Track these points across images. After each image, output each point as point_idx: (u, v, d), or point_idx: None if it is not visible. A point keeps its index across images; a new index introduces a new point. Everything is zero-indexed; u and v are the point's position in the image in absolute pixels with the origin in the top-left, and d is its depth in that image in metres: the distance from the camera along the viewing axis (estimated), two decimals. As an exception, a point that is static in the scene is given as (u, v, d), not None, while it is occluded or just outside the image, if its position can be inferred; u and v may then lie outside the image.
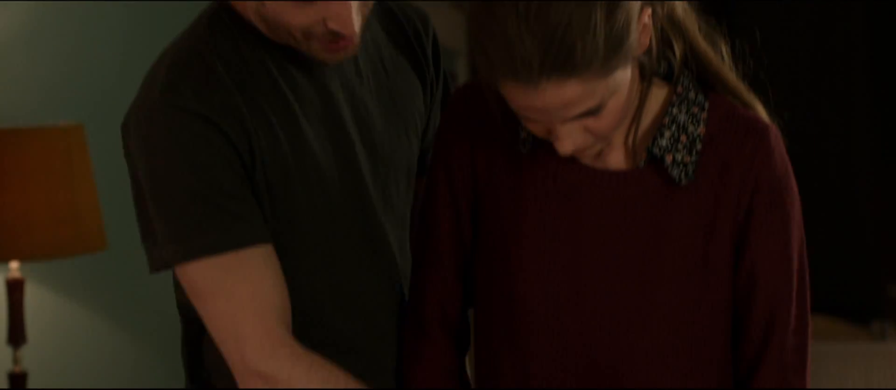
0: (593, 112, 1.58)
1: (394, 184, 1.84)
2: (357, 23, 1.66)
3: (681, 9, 1.69)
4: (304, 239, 1.76)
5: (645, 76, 1.68)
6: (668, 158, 1.68)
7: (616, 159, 1.71)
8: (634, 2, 1.56)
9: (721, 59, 1.74)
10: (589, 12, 1.51)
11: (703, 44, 1.72)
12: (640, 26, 1.58)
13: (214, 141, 1.66)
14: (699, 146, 1.68)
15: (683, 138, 1.69)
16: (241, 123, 1.68)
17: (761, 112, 1.74)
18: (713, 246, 1.69)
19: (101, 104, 3.28)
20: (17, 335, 2.93)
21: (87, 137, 2.96)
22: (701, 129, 1.69)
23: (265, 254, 1.68)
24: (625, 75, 1.59)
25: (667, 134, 1.68)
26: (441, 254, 1.78)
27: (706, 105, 1.71)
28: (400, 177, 1.85)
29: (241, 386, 1.69)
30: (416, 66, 1.91)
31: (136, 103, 1.71)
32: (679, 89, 1.70)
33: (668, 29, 1.68)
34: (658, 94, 1.71)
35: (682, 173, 1.68)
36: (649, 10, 1.60)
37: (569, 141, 1.60)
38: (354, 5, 1.65)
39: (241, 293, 1.66)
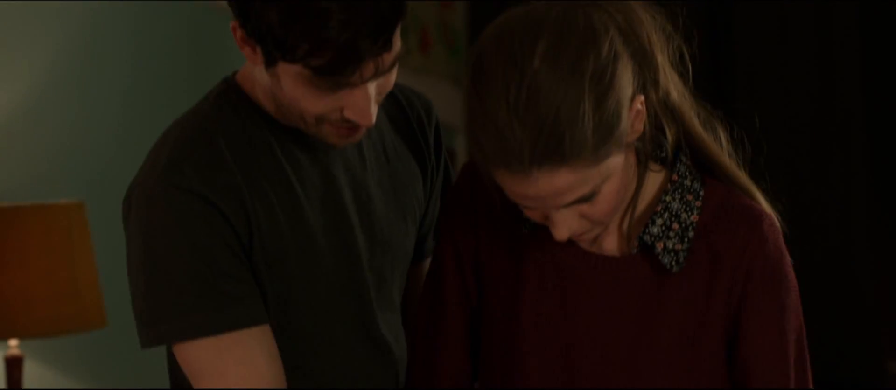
0: (587, 199, 1.58)
1: (389, 268, 1.85)
2: (374, 113, 1.68)
3: (676, 94, 1.69)
4: (300, 320, 1.76)
5: (641, 161, 1.68)
6: (659, 246, 1.68)
7: (611, 244, 1.72)
8: (626, 89, 1.57)
9: (719, 144, 1.74)
10: (578, 101, 1.52)
11: (699, 129, 1.72)
12: (633, 113, 1.59)
13: (214, 221, 1.67)
14: (691, 234, 1.68)
15: (676, 226, 1.68)
16: (242, 204, 1.69)
17: (760, 199, 1.74)
18: (705, 334, 1.69)
19: (101, 181, 3.29)
20: (15, 413, 2.92)
21: (87, 214, 2.97)
22: (694, 217, 1.69)
23: (261, 335, 1.69)
24: (617, 162, 1.59)
25: (658, 221, 1.69)
26: (451, 329, 1.78)
27: (701, 193, 1.71)
28: (396, 263, 1.86)
29: None
30: (418, 153, 1.91)
31: (138, 179, 1.72)
32: (675, 176, 1.70)
33: (661, 114, 1.68)
34: (655, 180, 1.71)
35: (673, 261, 1.68)
36: (642, 97, 1.60)
37: (564, 227, 1.61)
38: (373, 95, 1.66)
39: (235, 374, 1.66)
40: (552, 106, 1.51)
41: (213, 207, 1.67)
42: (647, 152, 1.68)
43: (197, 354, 1.67)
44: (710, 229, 1.69)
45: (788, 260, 1.71)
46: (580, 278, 1.70)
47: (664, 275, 1.68)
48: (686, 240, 1.68)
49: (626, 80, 1.56)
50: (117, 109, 3.43)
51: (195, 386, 1.69)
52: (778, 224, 1.72)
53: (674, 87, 1.68)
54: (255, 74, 1.73)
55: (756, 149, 1.79)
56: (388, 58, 1.62)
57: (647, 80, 1.62)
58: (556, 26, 1.55)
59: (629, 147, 1.63)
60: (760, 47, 4.41)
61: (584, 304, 1.70)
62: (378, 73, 1.63)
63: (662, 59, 1.65)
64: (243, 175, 1.70)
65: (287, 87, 1.65)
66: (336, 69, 1.60)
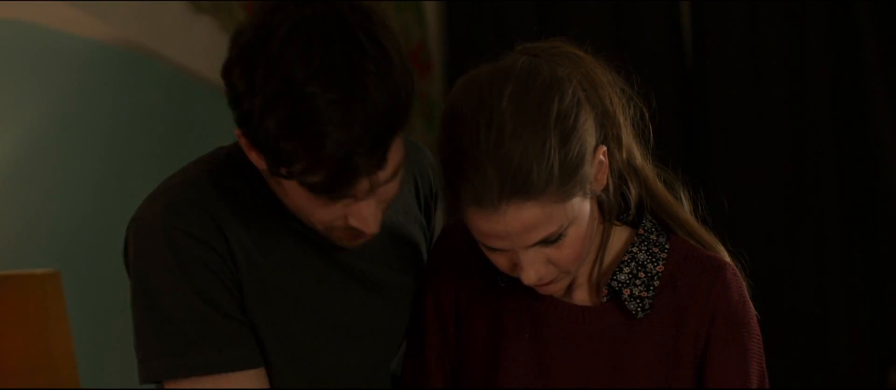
0: (553, 240, 1.64)
1: (381, 310, 1.85)
2: (378, 222, 1.70)
3: (639, 157, 1.77)
4: (286, 364, 1.76)
5: (606, 216, 1.75)
6: (626, 292, 1.74)
7: (582, 295, 1.78)
8: (589, 136, 1.65)
9: (680, 203, 1.81)
10: (544, 140, 1.60)
11: (661, 188, 1.80)
12: (596, 162, 1.67)
13: (213, 264, 1.69)
14: (657, 282, 1.75)
15: (642, 275, 1.75)
16: (233, 246, 1.70)
17: (722, 252, 1.81)
18: (677, 377, 1.74)
19: (76, 251, 3.28)
20: None
21: (63, 284, 2.96)
22: (660, 267, 1.76)
23: (257, 377, 1.71)
24: (583, 207, 1.66)
25: (625, 269, 1.75)
26: (434, 384, 1.81)
27: (667, 246, 1.77)
28: (387, 305, 1.86)
29: None
30: (423, 220, 1.94)
31: (137, 216, 1.74)
32: (641, 230, 1.77)
33: (625, 172, 1.76)
34: (621, 235, 1.78)
35: (639, 307, 1.74)
36: (604, 149, 1.68)
37: (531, 269, 1.66)
38: (375, 206, 1.68)
39: None
40: (519, 143, 1.59)
41: (213, 251, 1.68)
42: (612, 207, 1.75)
43: (193, 387, 1.68)
44: (675, 278, 1.76)
45: (751, 308, 1.78)
46: (554, 326, 1.75)
47: (633, 322, 1.74)
48: (652, 288, 1.74)
49: (588, 127, 1.65)
50: (93, 178, 3.43)
51: None
52: (740, 275, 1.79)
53: (637, 149, 1.76)
54: None
55: (720, 209, 1.84)
56: (382, 174, 1.63)
57: (609, 136, 1.70)
58: (523, 73, 1.65)
59: (594, 200, 1.70)
60: (733, 98, 4.45)
61: (559, 353, 1.75)
62: (373, 188, 1.64)
63: (624, 120, 1.73)
64: (240, 221, 1.71)
65: (292, 197, 1.67)
66: (331, 187, 1.61)
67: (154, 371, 1.70)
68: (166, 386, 1.72)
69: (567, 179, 1.62)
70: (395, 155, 1.64)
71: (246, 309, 1.72)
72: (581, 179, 1.64)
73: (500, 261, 1.69)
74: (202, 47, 3.79)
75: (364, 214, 1.67)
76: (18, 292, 2.85)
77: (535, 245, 1.64)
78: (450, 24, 4.75)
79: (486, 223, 1.62)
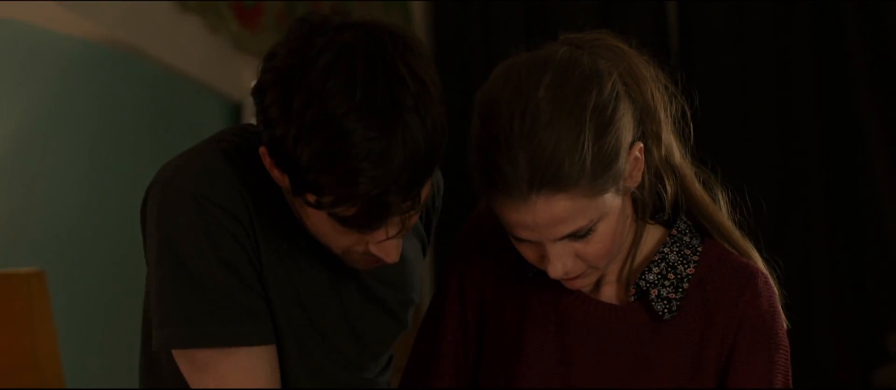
0: (582, 234, 1.61)
1: (375, 322, 1.86)
2: (400, 251, 1.68)
3: (678, 155, 1.74)
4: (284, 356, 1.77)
5: (639, 214, 1.72)
6: (653, 293, 1.71)
7: (610, 293, 1.75)
8: (626, 130, 1.61)
9: (718, 206, 1.78)
10: (578, 132, 1.56)
11: (699, 189, 1.77)
12: (632, 158, 1.63)
13: (239, 235, 1.67)
14: (686, 285, 1.71)
15: (671, 276, 1.72)
16: (255, 224, 1.70)
17: (757, 260, 1.77)
18: (699, 382, 1.71)
19: (62, 250, 3.27)
20: None
21: (48, 283, 2.95)
22: (690, 269, 1.72)
23: (269, 354, 1.71)
24: (614, 202, 1.63)
25: (655, 270, 1.72)
26: (444, 367, 1.81)
27: (700, 249, 1.74)
28: (381, 317, 1.87)
29: None
30: (423, 232, 1.94)
31: (166, 176, 1.70)
32: (674, 231, 1.74)
33: (663, 170, 1.72)
34: (653, 235, 1.75)
35: (666, 308, 1.71)
36: (641, 145, 1.64)
37: (559, 263, 1.63)
38: (399, 235, 1.66)
39: (238, 384, 1.68)
40: (553, 134, 1.56)
41: (239, 223, 1.67)
42: (646, 205, 1.71)
43: (207, 357, 1.68)
44: (705, 282, 1.72)
45: (782, 319, 1.75)
46: (579, 322, 1.73)
47: (660, 323, 1.71)
48: (680, 290, 1.71)
49: (626, 121, 1.61)
50: (79, 177, 3.42)
51: (193, 380, 1.70)
52: (773, 284, 1.75)
53: (676, 147, 1.73)
54: None
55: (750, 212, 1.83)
56: (413, 211, 1.62)
57: (648, 132, 1.67)
58: (562, 64, 1.61)
59: (628, 196, 1.67)
60: (719, 98, 4.45)
61: (582, 349, 1.72)
62: (403, 223, 1.64)
63: (665, 117, 1.70)
64: (261, 210, 1.70)
65: (313, 219, 1.65)
66: (362, 223, 1.60)
67: (173, 338, 1.68)
68: (182, 353, 1.71)
69: (600, 174, 1.58)
70: (426, 190, 1.63)
71: (264, 285, 1.72)
72: (614, 174, 1.60)
73: (528, 253, 1.66)
74: (189, 46, 3.79)
75: (387, 245, 1.66)
76: (3, 291, 2.84)
77: (563, 238, 1.61)
78: (437, 23, 4.75)
79: (515, 213, 1.59)
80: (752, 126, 4.43)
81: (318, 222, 1.64)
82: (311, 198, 1.59)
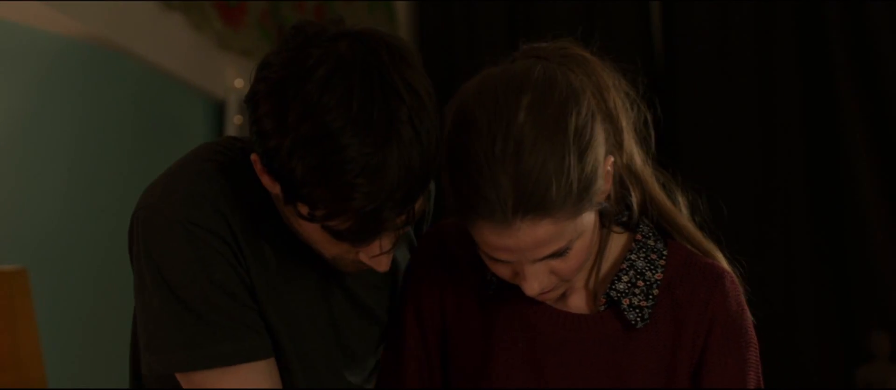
0: (561, 253, 1.61)
1: (360, 333, 1.86)
2: (390, 261, 1.68)
3: (639, 161, 1.74)
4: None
5: (604, 223, 1.72)
6: (625, 302, 1.71)
7: (578, 303, 1.75)
8: (601, 147, 1.61)
9: (679, 209, 1.78)
10: (562, 155, 1.56)
11: (660, 193, 1.77)
12: (605, 173, 1.63)
13: (228, 255, 1.68)
14: (656, 291, 1.72)
15: (640, 283, 1.72)
16: (240, 240, 1.70)
17: (721, 259, 1.78)
18: (674, 386, 1.72)
19: (44, 248, 3.26)
20: None
21: (30, 281, 2.94)
22: (658, 275, 1.73)
23: (269, 368, 1.71)
24: (590, 219, 1.63)
25: (624, 278, 1.72)
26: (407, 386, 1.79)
27: (665, 252, 1.74)
28: (368, 326, 1.87)
29: None
30: (413, 237, 1.94)
31: (149, 202, 1.70)
32: (639, 236, 1.74)
33: (626, 177, 1.73)
34: (618, 241, 1.75)
35: (638, 317, 1.70)
36: (612, 159, 1.65)
37: (535, 282, 1.63)
38: (390, 245, 1.66)
39: None
40: (538, 158, 1.55)
41: (226, 243, 1.67)
42: (612, 214, 1.72)
43: (210, 379, 1.68)
44: (673, 285, 1.73)
45: (749, 317, 1.75)
46: (549, 336, 1.72)
47: (631, 331, 1.71)
48: (651, 296, 1.71)
49: (600, 139, 1.62)
50: (61, 175, 3.41)
51: None
52: (739, 283, 1.76)
53: (637, 153, 1.73)
54: None
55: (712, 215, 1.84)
56: (408, 226, 1.63)
57: (614, 143, 1.67)
58: (539, 83, 1.59)
59: (596, 208, 1.66)
60: (703, 100, 4.46)
61: (553, 361, 1.72)
62: (396, 237, 1.64)
63: (626, 124, 1.70)
64: (246, 224, 1.70)
65: (304, 227, 1.65)
66: (355, 236, 1.59)
67: (173, 362, 1.68)
68: (184, 376, 1.71)
69: (582, 195, 1.58)
70: (421, 203, 1.62)
71: (257, 299, 1.72)
72: (594, 193, 1.60)
73: (502, 270, 1.65)
74: (172, 45, 3.78)
75: (382, 259, 1.67)
76: (-15, 289, 2.83)
77: (542, 259, 1.61)
78: (421, 24, 4.75)
79: (496, 237, 1.58)
80: (735, 126, 4.45)
81: (310, 230, 1.64)
82: (304, 209, 1.58)
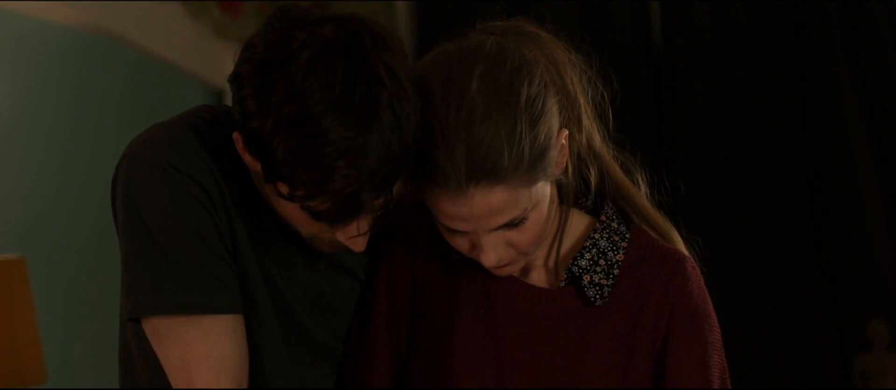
0: (516, 224, 1.64)
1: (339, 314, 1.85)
2: (366, 241, 1.69)
3: (598, 140, 1.77)
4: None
5: (564, 200, 1.74)
6: (586, 279, 1.74)
7: (539, 278, 1.77)
8: (554, 119, 1.64)
9: (637, 188, 1.81)
10: (514, 123, 1.59)
11: (619, 172, 1.80)
12: (559, 145, 1.65)
13: (208, 207, 1.69)
14: (616, 271, 1.74)
15: (602, 262, 1.75)
16: (225, 195, 1.70)
17: (679, 242, 1.81)
18: (632, 367, 1.73)
19: (42, 236, 3.27)
20: (-48, 472, 2.88)
21: (28, 270, 2.94)
22: (620, 256, 1.75)
23: (236, 324, 1.71)
24: (545, 190, 1.66)
25: (587, 255, 1.75)
26: (377, 355, 1.80)
27: (628, 236, 1.77)
28: (354, 287, 1.86)
29: None
30: None
31: (133, 149, 1.72)
32: (603, 217, 1.77)
33: (585, 155, 1.75)
34: (581, 221, 1.78)
35: (598, 294, 1.73)
36: (566, 132, 1.67)
37: (492, 253, 1.66)
38: (367, 226, 1.67)
39: (203, 352, 1.68)
40: (490, 126, 1.58)
41: (206, 193, 1.68)
42: (571, 189, 1.74)
43: (173, 326, 1.68)
44: (635, 268, 1.75)
45: (709, 300, 1.78)
46: (511, 306, 1.75)
47: (590, 308, 1.74)
48: (611, 276, 1.74)
49: (554, 110, 1.65)
50: (59, 163, 3.41)
51: (160, 350, 1.70)
52: (698, 268, 1.79)
53: (596, 132, 1.76)
54: None
55: (682, 196, 1.84)
56: (386, 208, 1.64)
57: (570, 118, 1.70)
58: (492, 54, 1.63)
59: (553, 182, 1.70)
60: (702, 96, 4.47)
61: (514, 333, 1.74)
62: (374, 218, 1.65)
63: (584, 103, 1.73)
64: (230, 185, 1.71)
65: (282, 205, 1.66)
66: (333, 217, 1.61)
67: (140, 306, 1.69)
68: (147, 322, 1.71)
69: (535, 164, 1.61)
70: (399, 187, 1.64)
71: (236, 254, 1.72)
72: (547, 163, 1.63)
73: (460, 243, 1.68)
74: (170, 33, 3.78)
75: (358, 240, 1.68)
76: (-17, 278, 2.83)
77: (497, 229, 1.64)
78: (421, 22, 4.75)
79: (451, 206, 1.62)
80: (734, 122, 4.45)
81: (288, 209, 1.66)
82: (284, 189, 1.60)
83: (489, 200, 1.60)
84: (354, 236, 1.67)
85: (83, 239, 3.43)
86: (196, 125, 1.72)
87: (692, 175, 4.27)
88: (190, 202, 1.67)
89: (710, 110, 4.46)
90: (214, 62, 3.92)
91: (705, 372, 1.74)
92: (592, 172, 1.77)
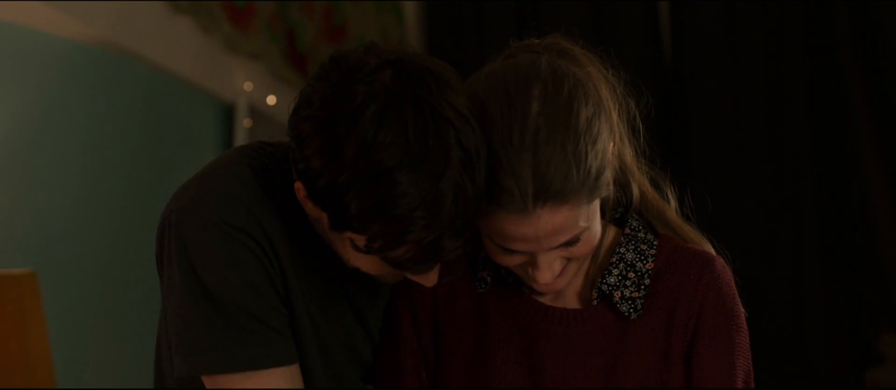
0: (573, 242, 1.64)
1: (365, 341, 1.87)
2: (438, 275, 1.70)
3: (629, 155, 1.78)
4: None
5: (603, 213, 1.75)
6: (617, 295, 1.74)
7: (571, 298, 1.78)
8: (608, 139, 1.66)
9: (667, 202, 1.81)
10: (577, 143, 1.59)
11: (649, 187, 1.82)
12: (611, 162, 1.67)
13: (262, 258, 1.70)
14: (647, 281, 1.75)
15: (632, 275, 1.75)
16: (276, 245, 1.72)
17: (708, 247, 1.81)
18: (670, 374, 1.74)
19: (54, 251, 3.27)
20: None
21: (40, 284, 2.94)
22: (649, 265, 1.76)
23: (294, 374, 1.73)
24: (597, 206, 1.67)
25: (615, 271, 1.75)
26: (405, 367, 1.82)
27: (655, 243, 1.77)
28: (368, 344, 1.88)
29: None
30: None
31: (181, 206, 1.72)
32: (628, 229, 1.78)
33: (618, 170, 1.78)
34: (608, 235, 1.79)
35: (631, 308, 1.73)
36: (613, 147, 1.69)
37: (548, 270, 1.66)
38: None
39: None
40: (556, 147, 1.58)
41: (261, 248, 1.69)
42: (610, 205, 1.76)
43: (234, 383, 1.69)
44: (664, 274, 1.75)
45: (739, 303, 1.78)
46: (544, 332, 1.75)
47: (625, 322, 1.74)
48: (643, 287, 1.74)
49: (606, 128, 1.66)
50: (71, 178, 3.41)
51: None
52: (729, 270, 1.79)
53: (628, 147, 1.77)
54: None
55: (704, 209, 1.85)
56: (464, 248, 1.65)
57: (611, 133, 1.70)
58: (548, 75, 1.63)
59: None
60: (712, 99, 4.46)
61: (550, 357, 1.74)
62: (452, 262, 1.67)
63: (618, 119, 1.74)
64: (280, 234, 1.72)
65: (347, 251, 1.67)
66: (414, 266, 1.63)
67: (199, 364, 1.70)
68: (209, 378, 1.72)
69: (597, 182, 1.62)
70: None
71: (289, 304, 1.74)
72: (605, 181, 1.64)
73: (512, 261, 1.68)
74: (181, 47, 3.78)
75: (429, 274, 1.69)
76: (-5, 292, 2.83)
77: (558, 247, 1.63)
78: (429, 24, 4.75)
79: (514, 227, 1.61)
80: (743, 126, 4.45)
81: (353, 254, 1.66)
82: (361, 241, 1.60)
83: (555, 220, 1.59)
84: (428, 273, 1.68)
85: (94, 254, 3.43)
86: (245, 177, 1.71)
87: (700, 181, 4.27)
88: (246, 257, 1.68)
89: (719, 111, 4.45)
90: (225, 77, 3.92)
91: (730, 375, 1.74)
92: (634, 186, 1.78)
